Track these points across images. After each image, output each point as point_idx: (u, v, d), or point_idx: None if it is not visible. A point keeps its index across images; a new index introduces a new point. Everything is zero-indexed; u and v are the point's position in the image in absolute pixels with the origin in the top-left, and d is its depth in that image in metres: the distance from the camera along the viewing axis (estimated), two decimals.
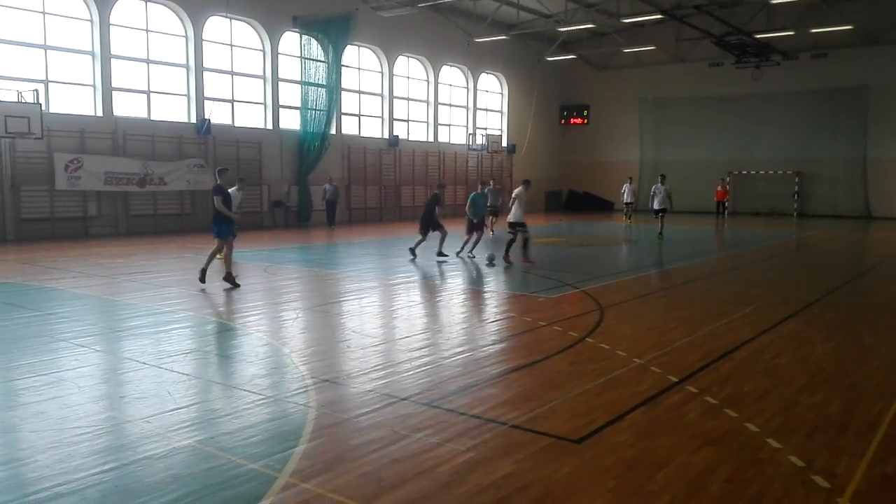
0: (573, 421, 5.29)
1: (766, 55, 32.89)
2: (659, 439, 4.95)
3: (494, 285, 12.50)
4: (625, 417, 5.39)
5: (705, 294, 11.64)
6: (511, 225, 14.47)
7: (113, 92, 21.22)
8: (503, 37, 32.62)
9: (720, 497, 4.09)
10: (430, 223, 15.60)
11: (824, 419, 5.40)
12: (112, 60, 21.15)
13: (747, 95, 35.09)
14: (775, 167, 34.70)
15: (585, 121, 41.13)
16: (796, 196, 34.13)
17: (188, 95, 23.29)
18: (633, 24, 33.50)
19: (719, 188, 32.74)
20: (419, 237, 15.74)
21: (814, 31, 30.20)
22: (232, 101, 24.69)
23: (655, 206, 20.53)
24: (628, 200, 27.48)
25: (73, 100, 20.73)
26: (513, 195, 14.61)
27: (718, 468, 4.47)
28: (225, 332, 8.57)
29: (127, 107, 21.83)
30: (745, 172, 35.65)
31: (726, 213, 32.78)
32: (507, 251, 14.56)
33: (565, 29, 31.94)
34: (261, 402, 5.72)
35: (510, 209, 14.50)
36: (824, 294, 11.43)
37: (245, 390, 6.00)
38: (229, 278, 11.33)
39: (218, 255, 11.91)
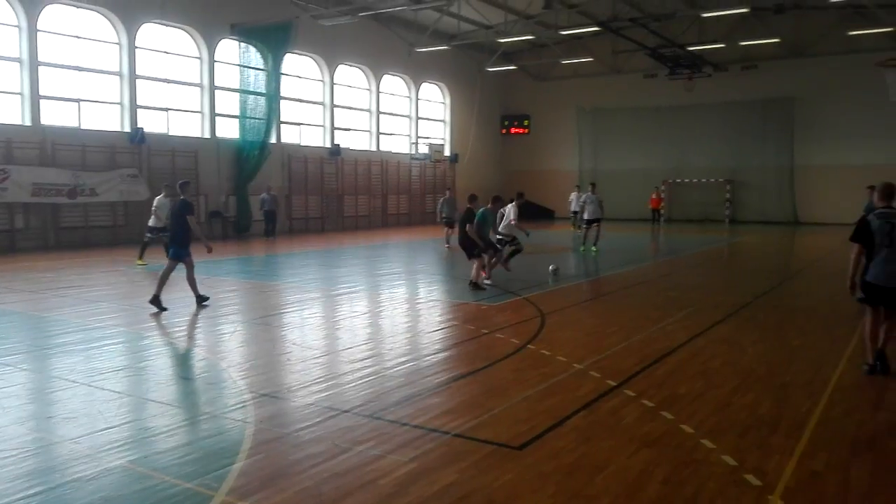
0: (515, 427, 5.33)
1: (699, 67, 34.01)
2: (598, 443, 5.03)
3: (438, 294, 12.51)
4: (565, 422, 5.46)
5: (642, 299, 11.90)
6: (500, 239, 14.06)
7: (41, 100, 20.44)
8: (444, 47, 32.82)
9: (657, 498, 4.17)
10: (471, 245, 12.71)
11: (756, 419, 5.58)
12: (40, 68, 20.38)
13: (681, 106, 36.15)
14: (708, 175, 35.81)
15: (526, 130, 41.67)
16: (728, 203, 35.29)
17: (121, 104, 22.62)
18: (570, 36, 34.17)
19: (654, 196, 33.67)
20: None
21: (743, 43, 31.39)
22: (167, 110, 24.11)
23: (587, 217, 19.85)
24: (576, 209, 27.65)
25: None
26: (507, 210, 14.11)
27: (655, 470, 4.56)
28: (159, 348, 8.32)
29: (56, 115, 21.06)
30: (679, 181, 36.67)
31: (662, 220, 33.68)
32: (506, 260, 14.16)
33: (505, 40, 32.35)
34: (196, 419, 5.57)
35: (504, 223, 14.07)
36: (754, 297, 11.84)
37: (180, 407, 5.84)
38: (157, 301, 10.30)
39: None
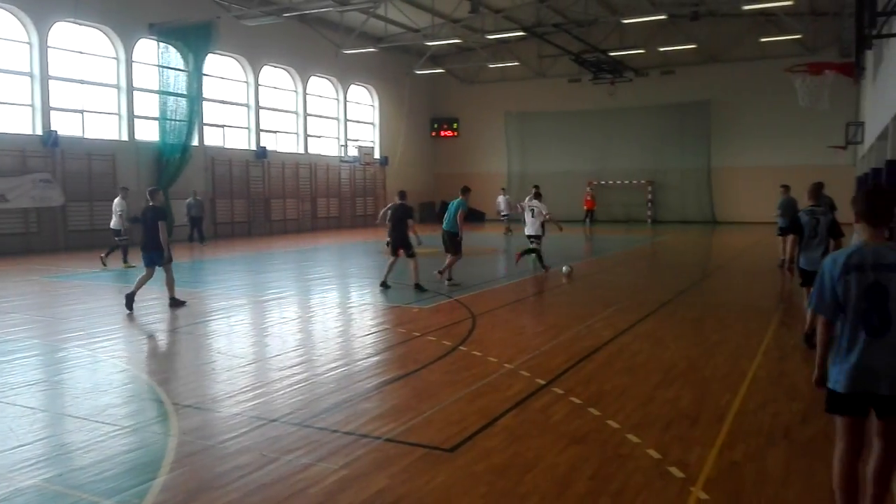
0: (447, 429, 5.33)
1: (620, 72, 35.00)
2: (528, 441, 5.09)
3: (369, 298, 12.41)
4: (496, 422, 5.51)
5: (569, 298, 12.14)
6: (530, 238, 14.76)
7: None
8: (372, 49, 32.68)
9: (585, 494, 4.25)
10: (407, 243, 12.72)
11: (678, 412, 5.76)
12: None
13: (604, 110, 37.11)
14: (630, 177, 36.89)
15: (456, 133, 41.95)
16: (649, 204, 36.43)
17: (33, 105, 21.56)
18: (497, 41, 34.57)
19: (588, 197, 34.22)
20: (389, 259, 13.03)
21: (662, 49, 32.51)
22: (83, 112, 23.12)
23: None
24: (505, 212, 27.79)
25: None
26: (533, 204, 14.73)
27: (583, 466, 4.65)
28: (76, 360, 7.93)
29: None
30: (603, 182, 37.58)
31: (589, 221, 34.28)
32: (540, 262, 15.04)
33: (433, 43, 32.48)
34: (116, 433, 5.34)
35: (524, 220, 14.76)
36: (676, 294, 12.24)
37: (98, 422, 5.59)
38: (130, 300, 10.66)
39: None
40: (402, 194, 13.38)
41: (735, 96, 34.22)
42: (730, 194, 34.97)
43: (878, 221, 3.59)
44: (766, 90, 32.57)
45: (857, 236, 3.72)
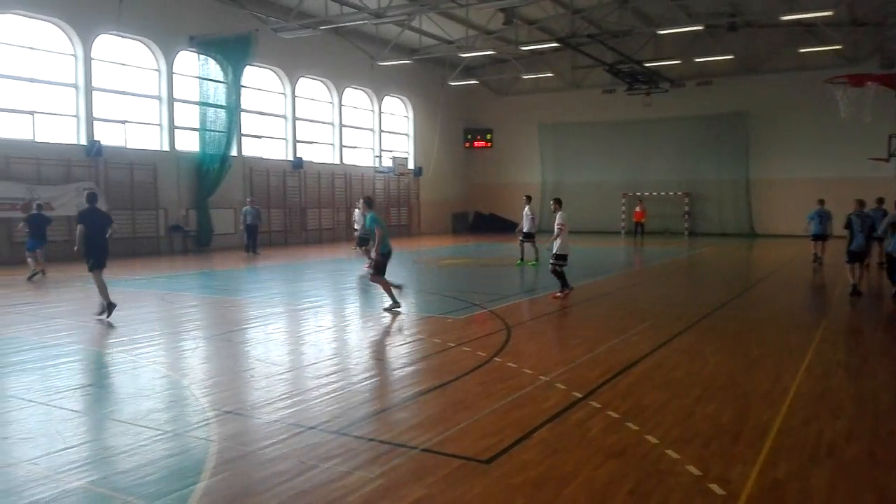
0: (483, 441, 5.32)
1: (656, 83, 34.71)
2: (565, 455, 5.05)
3: (404, 308, 12.44)
4: (532, 435, 5.48)
5: (605, 311, 12.03)
6: None
7: None
8: (406, 61, 32.95)
9: None
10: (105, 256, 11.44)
11: (718, 428, 5.67)
12: None
13: (639, 120, 36.80)
14: (666, 188, 36.48)
15: (489, 144, 41.99)
16: (686, 216, 35.97)
17: (77, 116, 22.17)
18: (531, 52, 34.58)
19: (637, 209, 33.61)
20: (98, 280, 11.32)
21: (698, 60, 32.18)
22: (125, 122, 23.70)
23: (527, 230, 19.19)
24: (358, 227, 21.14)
25: None
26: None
27: (622, 481, 4.60)
28: (119, 366, 8.12)
29: (10, 128, 20.53)
30: (638, 194, 37.22)
31: (643, 233, 33.22)
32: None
33: (467, 55, 32.62)
34: (158, 437, 5.44)
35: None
36: (715, 308, 12.06)
37: (141, 426, 5.70)
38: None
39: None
40: (93, 196, 11.19)
41: (774, 107, 33.67)
42: (769, 206, 34.37)
43: None
44: (806, 101, 32.00)
45: None
